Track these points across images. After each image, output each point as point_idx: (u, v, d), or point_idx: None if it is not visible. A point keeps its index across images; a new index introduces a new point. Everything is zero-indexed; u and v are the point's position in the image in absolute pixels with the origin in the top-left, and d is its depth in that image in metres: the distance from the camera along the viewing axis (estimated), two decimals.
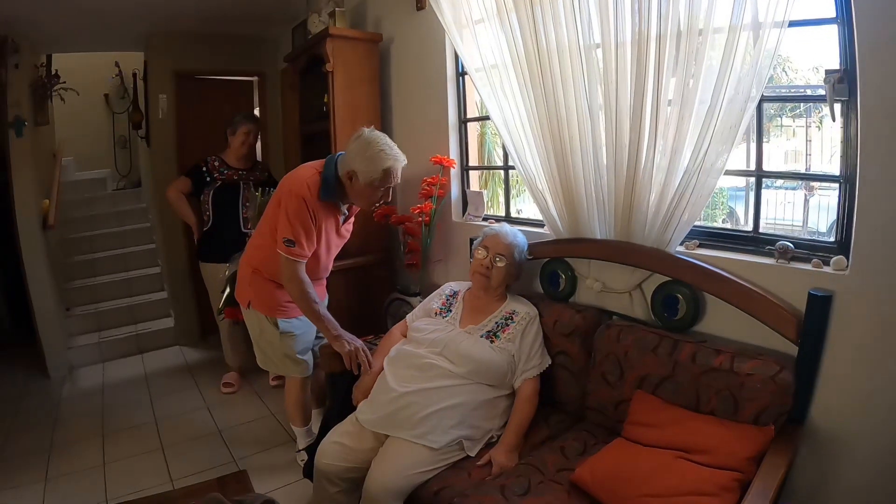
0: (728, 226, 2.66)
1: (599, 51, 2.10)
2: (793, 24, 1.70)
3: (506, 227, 2.42)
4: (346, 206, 2.47)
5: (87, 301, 4.93)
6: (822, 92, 1.78)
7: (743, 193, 2.76)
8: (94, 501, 2.58)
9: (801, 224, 2.56)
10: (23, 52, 4.01)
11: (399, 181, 2.35)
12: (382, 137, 2.28)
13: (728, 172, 2.00)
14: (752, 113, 1.84)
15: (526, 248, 2.39)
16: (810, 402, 1.81)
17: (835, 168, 1.86)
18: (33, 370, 4.24)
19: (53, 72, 4.57)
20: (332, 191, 2.32)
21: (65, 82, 4.56)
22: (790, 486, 1.81)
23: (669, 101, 1.95)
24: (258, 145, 4.07)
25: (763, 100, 1.90)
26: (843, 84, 1.69)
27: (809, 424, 1.83)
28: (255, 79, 5.23)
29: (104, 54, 5.75)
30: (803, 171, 2.46)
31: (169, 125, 4.70)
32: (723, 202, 2.98)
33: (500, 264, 2.27)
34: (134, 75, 5.92)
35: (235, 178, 3.62)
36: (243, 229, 3.55)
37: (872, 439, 1.72)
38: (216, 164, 3.63)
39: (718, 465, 1.63)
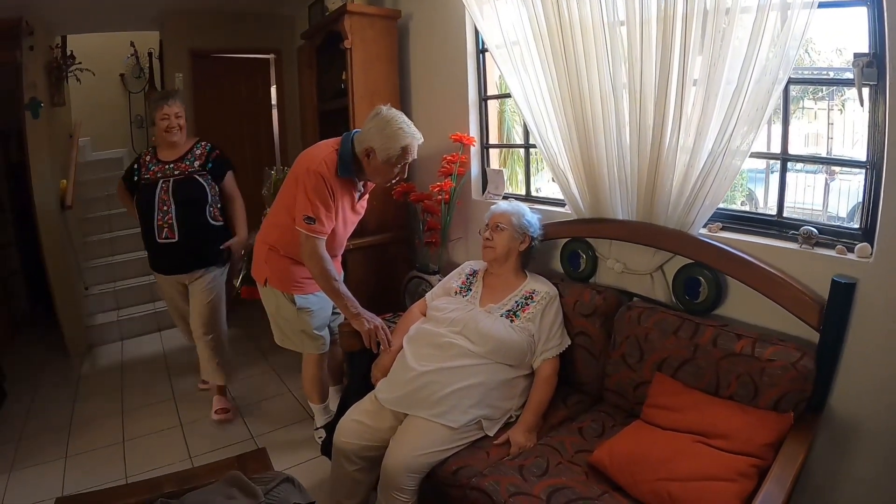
0: (750, 209, 2.63)
1: (624, 28, 2.07)
2: (822, 5, 1.66)
3: (502, 202, 2.46)
4: (361, 182, 2.50)
5: (106, 280, 4.97)
6: (847, 75, 1.75)
7: (763, 176, 2.73)
8: (113, 478, 2.61)
9: (821, 208, 2.53)
10: (38, 34, 4.01)
11: (416, 157, 2.38)
12: (399, 115, 2.32)
13: (753, 155, 1.97)
14: (779, 95, 1.80)
15: (530, 216, 2.38)
16: (830, 390, 1.80)
17: (858, 152, 1.83)
18: (53, 348, 4.30)
19: (69, 53, 4.58)
20: (349, 168, 2.35)
21: (80, 63, 4.57)
22: (807, 474, 1.81)
23: (695, 81, 1.92)
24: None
25: (790, 82, 1.86)
26: (871, 68, 1.66)
27: (828, 412, 1.81)
28: (271, 56, 5.21)
29: (119, 34, 5.74)
30: (825, 154, 2.42)
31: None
32: (742, 184, 2.94)
33: (500, 230, 2.30)
34: (149, 55, 5.91)
35: (159, 175, 2.99)
36: (158, 239, 2.96)
37: (892, 430, 1.71)
38: (148, 158, 3.09)
39: (737, 451, 1.63)
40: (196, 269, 3.05)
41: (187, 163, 3.03)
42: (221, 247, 3.07)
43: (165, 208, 2.94)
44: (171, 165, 3.01)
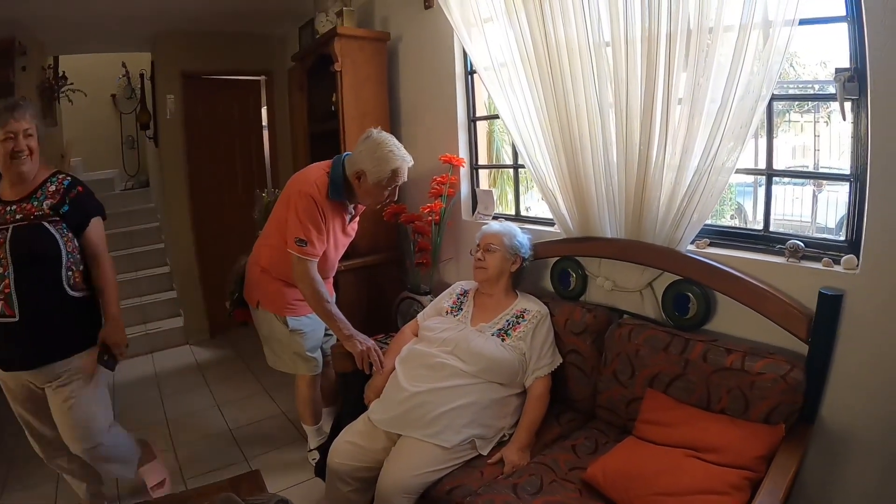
0: (737, 224, 2.65)
1: (609, 49, 2.10)
2: (803, 22, 1.69)
3: (493, 223, 2.49)
4: (352, 205, 2.53)
5: None
6: (831, 89, 1.78)
7: (751, 189, 2.76)
8: (106, 501, 2.58)
9: (809, 220, 2.55)
10: (30, 54, 4.04)
11: (406, 180, 2.41)
12: (390, 138, 2.36)
13: (739, 171, 1.99)
14: (763, 111, 1.84)
15: (521, 237, 2.40)
16: (821, 402, 1.81)
17: (844, 164, 1.86)
18: None
19: (61, 73, 4.60)
20: (340, 190, 2.38)
21: (72, 83, 4.59)
22: (800, 485, 1.81)
23: (680, 99, 1.95)
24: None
25: (773, 98, 1.89)
26: (853, 82, 1.69)
27: (819, 424, 1.82)
28: (262, 78, 5.24)
29: (111, 55, 5.78)
30: (811, 166, 2.45)
31: (177, 125, 4.72)
32: (731, 198, 2.97)
33: (492, 251, 2.32)
34: (141, 75, 5.94)
35: None
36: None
37: (883, 440, 1.72)
38: None
39: (729, 464, 1.64)
40: (48, 364, 2.11)
41: (34, 203, 2.10)
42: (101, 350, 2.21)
43: (1, 270, 2.02)
44: (13, 207, 2.08)
